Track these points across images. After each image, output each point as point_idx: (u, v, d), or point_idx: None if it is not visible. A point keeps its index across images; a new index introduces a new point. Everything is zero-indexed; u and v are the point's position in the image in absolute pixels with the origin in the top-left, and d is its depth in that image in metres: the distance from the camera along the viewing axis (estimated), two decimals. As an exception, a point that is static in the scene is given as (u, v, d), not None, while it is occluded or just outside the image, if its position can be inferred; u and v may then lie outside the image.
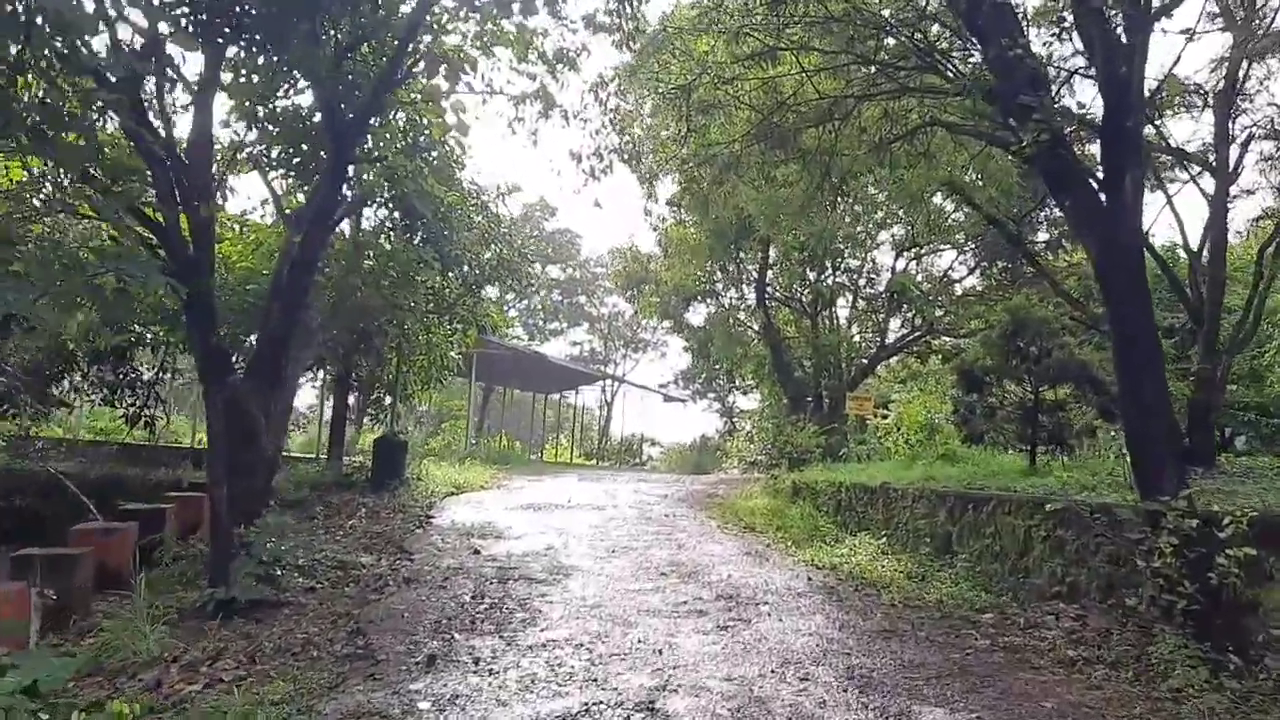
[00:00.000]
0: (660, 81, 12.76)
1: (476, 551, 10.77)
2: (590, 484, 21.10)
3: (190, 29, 8.70)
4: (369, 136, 11.23)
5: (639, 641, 6.80)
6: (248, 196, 34.66)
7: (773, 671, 6.10)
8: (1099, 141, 7.37)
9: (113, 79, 8.37)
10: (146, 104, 8.54)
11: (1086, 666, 6.33)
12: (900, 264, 28.66)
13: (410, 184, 13.40)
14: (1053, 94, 7.72)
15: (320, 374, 19.27)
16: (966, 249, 29.33)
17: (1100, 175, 7.49)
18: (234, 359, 12.70)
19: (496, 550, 10.93)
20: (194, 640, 6.88)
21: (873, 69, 11.58)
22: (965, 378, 13.06)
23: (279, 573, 8.89)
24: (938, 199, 25.77)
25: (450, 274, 15.79)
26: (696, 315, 29.96)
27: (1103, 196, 7.31)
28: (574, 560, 10.37)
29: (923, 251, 29.54)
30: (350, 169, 12.13)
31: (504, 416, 54.16)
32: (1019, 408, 12.73)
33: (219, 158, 11.13)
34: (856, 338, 30.92)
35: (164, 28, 8.48)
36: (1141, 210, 7.26)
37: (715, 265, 25.71)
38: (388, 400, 20.02)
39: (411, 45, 10.54)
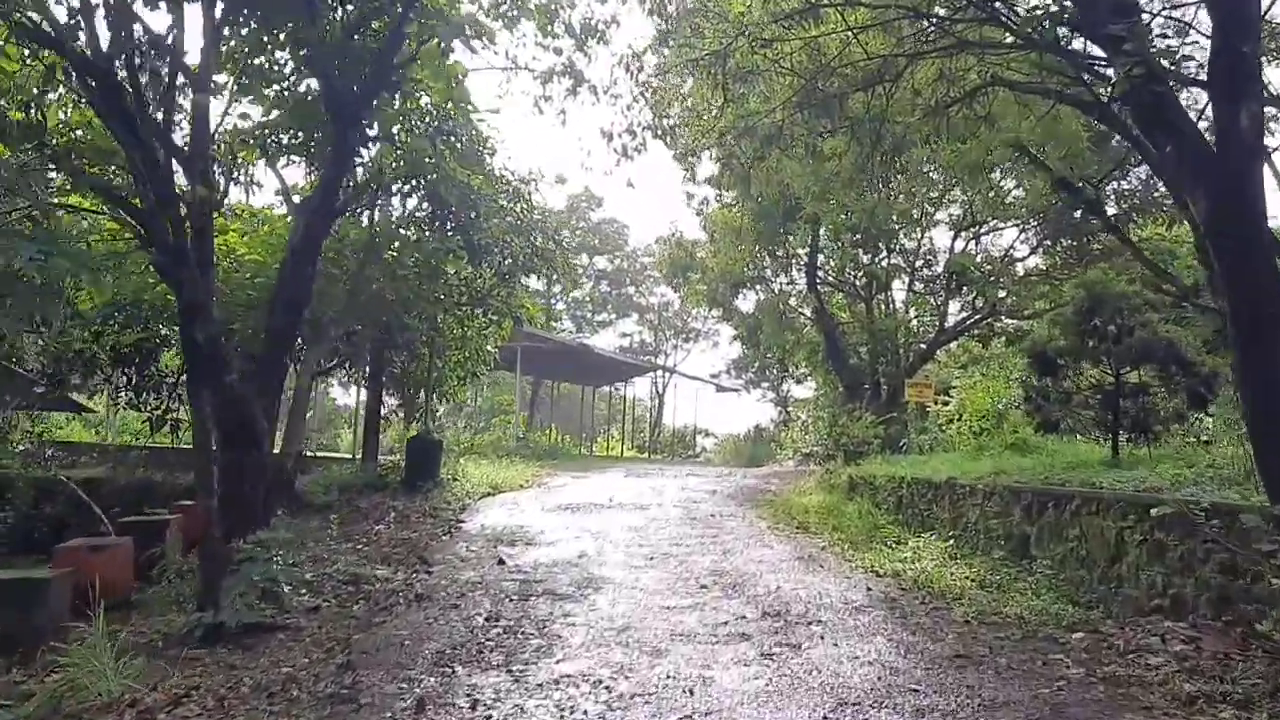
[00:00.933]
0: (692, 49, 11.70)
1: (501, 561, 9.90)
2: (636, 480, 20.20)
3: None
4: (380, 115, 10.41)
5: (668, 676, 5.82)
6: (258, 184, 34.11)
7: (825, 718, 5.09)
8: (1206, 76, 6.17)
9: (84, 51, 7.65)
10: (122, 81, 7.79)
11: (1209, 705, 5.20)
12: (958, 245, 27.31)
13: (433, 169, 12.56)
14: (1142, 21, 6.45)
15: (360, 371, 18.57)
16: (1029, 225, 27.85)
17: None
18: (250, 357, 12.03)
19: (523, 559, 10.04)
20: (168, 675, 6.08)
21: (926, 23, 10.42)
22: (1037, 360, 11.85)
23: (285, 589, 8.10)
24: (996, 174, 24.42)
25: (482, 264, 14.95)
26: (746, 302, 28.84)
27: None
28: (606, 570, 9.43)
29: (982, 230, 28.11)
30: (364, 151, 11.34)
31: (555, 410, 53.59)
32: (1097, 392, 11.54)
33: (222, 144, 10.40)
34: (914, 322, 29.61)
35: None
36: (1263, 155, 6.07)
37: (762, 249, 24.56)
38: (422, 397, 19.31)
39: (413, 14, 9.68)
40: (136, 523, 9.90)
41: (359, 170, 11.40)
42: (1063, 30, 7.35)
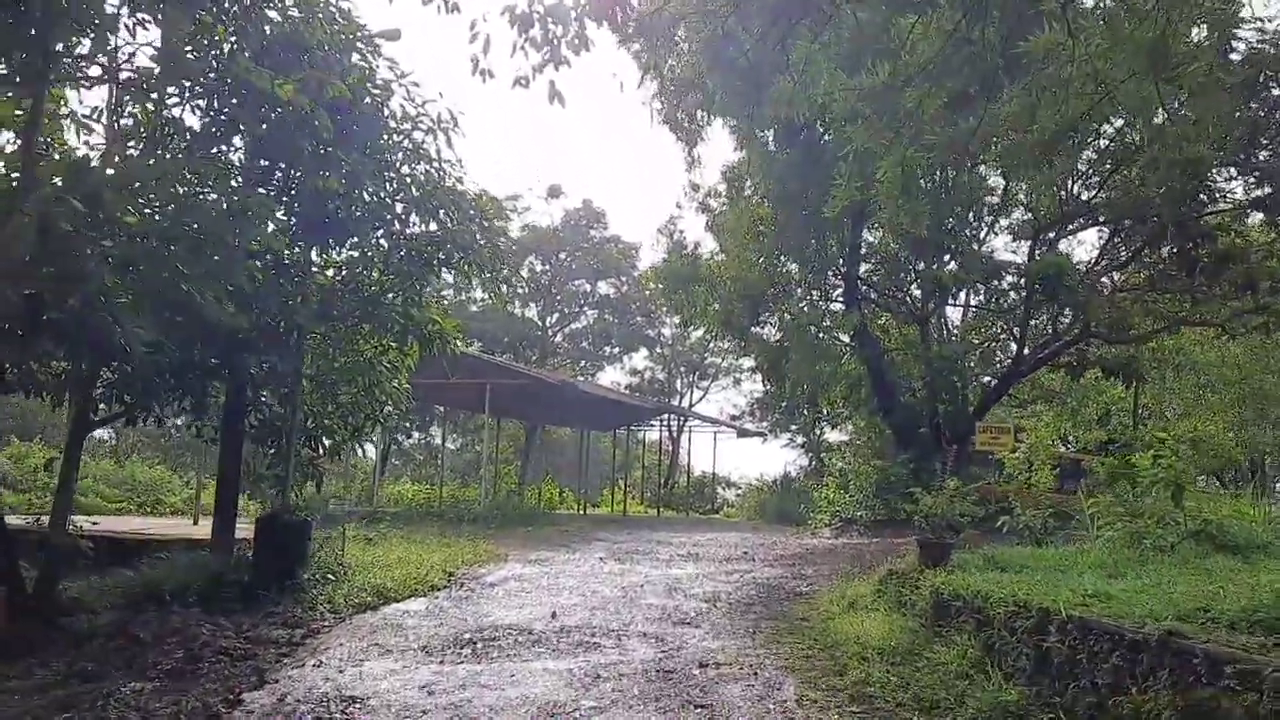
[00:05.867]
0: None
1: None
2: (616, 566, 14.60)
3: None
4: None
5: None
6: None
7: None
8: None
9: None
10: None
11: None
12: (1024, 259, 21.72)
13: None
14: None
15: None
16: (1123, 228, 22.24)
17: None
18: None
19: None
20: None
21: None
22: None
23: None
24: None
25: (333, 245, 9.52)
26: (769, 328, 22.94)
27: None
28: None
29: (1055, 234, 22.49)
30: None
31: (561, 457, 48.08)
32: None
33: None
34: (978, 353, 24.02)
35: None
36: None
37: (787, 252, 18.85)
38: (320, 453, 13.84)
39: None
40: None
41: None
42: None
